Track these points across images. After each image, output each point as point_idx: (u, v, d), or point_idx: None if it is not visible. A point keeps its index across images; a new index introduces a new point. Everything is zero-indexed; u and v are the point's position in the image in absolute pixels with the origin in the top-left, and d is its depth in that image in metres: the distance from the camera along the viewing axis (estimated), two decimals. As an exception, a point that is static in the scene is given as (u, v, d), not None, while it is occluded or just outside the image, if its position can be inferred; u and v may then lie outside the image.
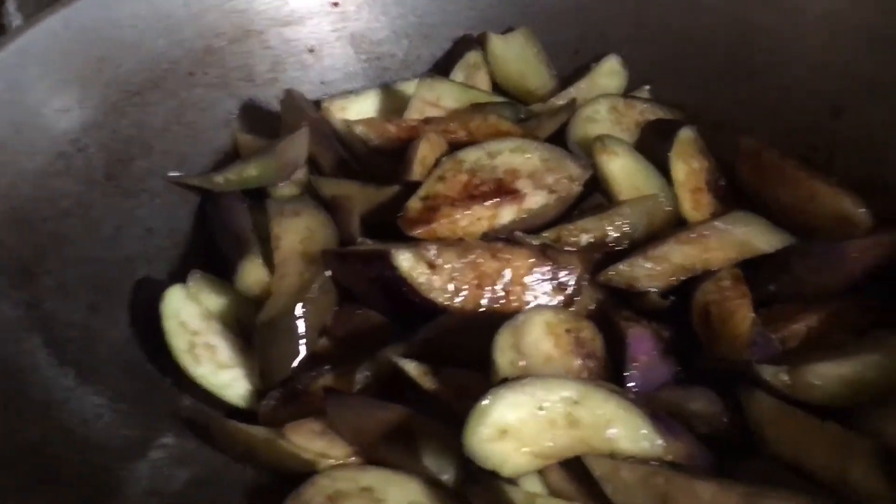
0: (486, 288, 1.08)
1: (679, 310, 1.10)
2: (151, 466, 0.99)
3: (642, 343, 1.04)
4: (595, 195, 1.24)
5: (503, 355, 0.95)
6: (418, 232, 1.14)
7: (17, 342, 1.02)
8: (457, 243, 1.12)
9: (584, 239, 1.16)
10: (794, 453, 0.93)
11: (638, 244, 1.16)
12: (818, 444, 0.91)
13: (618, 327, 1.06)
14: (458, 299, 1.07)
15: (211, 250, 1.25)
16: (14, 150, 1.13)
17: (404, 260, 1.07)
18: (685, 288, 1.12)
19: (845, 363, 0.97)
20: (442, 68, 1.53)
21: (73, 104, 1.21)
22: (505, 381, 0.91)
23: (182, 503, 0.93)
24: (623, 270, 1.11)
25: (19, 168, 1.13)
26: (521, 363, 0.96)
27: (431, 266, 1.07)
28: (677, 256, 1.12)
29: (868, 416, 0.94)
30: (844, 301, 1.08)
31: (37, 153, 1.15)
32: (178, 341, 1.09)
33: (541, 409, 0.90)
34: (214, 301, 1.17)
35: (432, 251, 1.08)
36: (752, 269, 1.13)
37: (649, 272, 1.11)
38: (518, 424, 0.88)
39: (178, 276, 1.19)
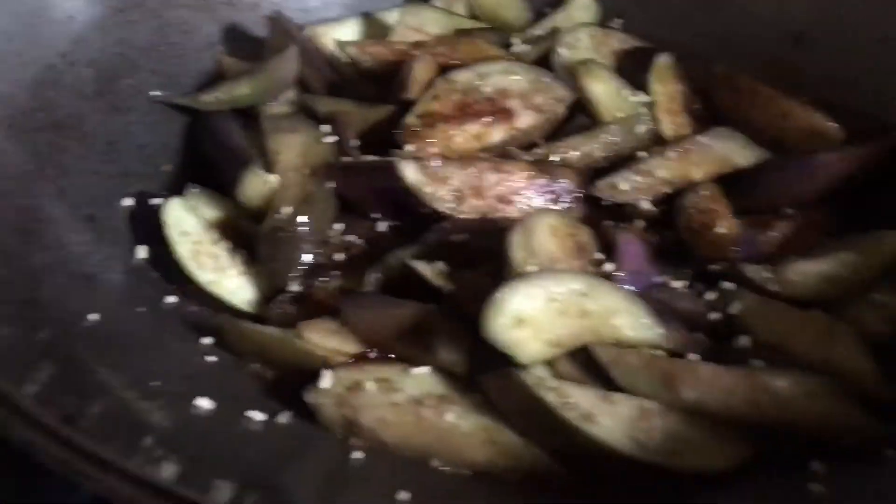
0: (487, 198, 1.13)
1: (665, 219, 1.17)
2: (182, 369, 1.01)
3: (631, 247, 1.10)
4: (579, 117, 1.30)
5: (517, 252, 1.00)
6: (417, 145, 1.17)
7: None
8: (457, 157, 1.16)
9: (574, 156, 1.22)
10: (777, 339, 1.00)
11: (623, 161, 1.22)
12: (802, 332, 1.00)
13: (608, 234, 1.12)
14: (461, 208, 1.12)
15: (203, 167, 1.26)
16: (8, 59, 1.11)
17: (410, 171, 1.10)
18: (669, 200, 1.19)
19: (823, 261, 1.06)
20: (419, -1, 1.56)
21: (62, 17, 1.21)
22: (519, 276, 0.97)
23: (215, 398, 0.95)
24: (612, 183, 1.17)
25: (15, 76, 1.12)
26: (531, 261, 1.01)
27: (435, 177, 1.11)
28: (662, 170, 1.19)
29: (845, 308, 1.03)
30: (815, 211, 1.16)
31: (28, 63, 1.14)
32: (183, 249, 1.10)
33: (553, 300, 0.95)
34: (213, 213, 1.18)
35: (435, 163, 1.12)
36: (729, 184, 1.20)
37: (637, 185, 1.18)
38: (533, 313, 0.94)
39: (173, 191, 1.20)
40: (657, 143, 1.27)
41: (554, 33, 1.40)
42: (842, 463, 0.86)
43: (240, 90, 1.28)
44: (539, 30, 1.49)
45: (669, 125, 1.28)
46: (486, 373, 0.96)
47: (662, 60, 1.34)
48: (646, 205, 1.17)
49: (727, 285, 1.08)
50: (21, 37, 1.14)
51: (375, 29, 1.49)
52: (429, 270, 1.03)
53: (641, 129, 1.25)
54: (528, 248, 1.01)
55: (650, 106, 1.30)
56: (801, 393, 0.90)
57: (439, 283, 1.02)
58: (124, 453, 0.74)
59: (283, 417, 0.97)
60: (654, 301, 1.06)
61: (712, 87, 1.32)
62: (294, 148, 1.20)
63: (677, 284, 1.10)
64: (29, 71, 1.14)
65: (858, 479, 0.85)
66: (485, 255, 1.05)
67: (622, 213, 1.19)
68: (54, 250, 1.04)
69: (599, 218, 1.18)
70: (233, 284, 1.11)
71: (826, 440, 0.89)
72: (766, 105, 1.24)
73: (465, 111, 1.23)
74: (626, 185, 1.17)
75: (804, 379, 0.91)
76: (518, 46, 1.39)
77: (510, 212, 1.13)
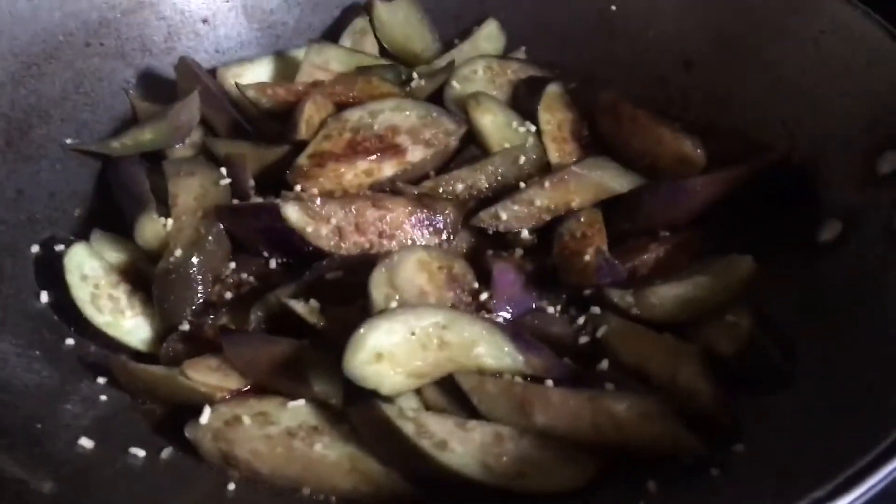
0: (368, 234, 1.19)
1: (546, 246, 1.23)
2: (72, 408, 1.07)
3: (506, 276, 1.16)
4: (471, 148, 1.36)
5: (378, 290, 1.06)
6: (305, 186, 1.24)
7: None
8: (341, 195, 1.22)
9: (460, 188, 1.27)
10: (635, 361, 1.06)
11: (508, 190, 1.28)
12: (655, 353, 1.05)
13: (485, 263, 1.18)
14: (343, 245, 1.17)
15: (113, 212, 1.32)
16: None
17: (292, 212, 1.16)
18: (551, 227, 1.24)
19: (680, 285, 1.11)
20: (331, 35, 1.62)
21: (-30, 75, 1.27)
22: (380, 312, 1.02)
23: (98, 437, 1.02)
24: (493, 214, 1.23)
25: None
26: (396, 297, 1.06)
27: (317, 216, 1.17)
28: (541, 199, 1.24)
29: (700, 328, 1.09)
30: (688, 232, 1.22)
31: (-64, 120, 1.21)
32: (81, 293, 1.17)
33: (413, 333, 1.01)
34: (116, 256, 1.24)
35: (317, 202, 1.18)
36: (610, 209, 1.26)
37: (516, 214, 1.23)
38: (392, 348, 0.99)
39: (82, 236, 1.27)
40: (545, 171, 1.32)
41: (449, 66, 1.46)
42: (672, 483, 0.91)
43: (144, 136, 1.35)
44: (443, 61, 1.54)
45: (556, 153, 1.34)
46: (354, 403, 1.02)
47: (551, 89, 1.40)
48: (525, 233, 1.22)
49: (595, 310, 1.13)
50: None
51: (288, 67, 1.55)
52: (302, 308, 1.09)
53: (523, 159, 1.30)
54: (392, 283, 1.07)
55: (539, 135, 1.35)
56: (635, 415, 0.95)
57: (313, 319, 1.08)
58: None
59: (166, 453, 1.03)
60: (527, 327, 1.12)
61: (597, 115, 1.37)
62: (192, 191, 1.26)
63: (552, 310, 1.16)
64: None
65: (684, 498, 0.89)
66: (360, 291, 1.10)
67: (506, 241, 1.24)
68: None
69: (484, 248, 1.23)
70: (129, 325, 1.17)
71: (662, 460, 0.94)
72: (642, 132, 1.29)
73: (356, 149, 1.29)
74: (506, 215, 1.22)
75: (639, 401, 0.96)
76: (416, 81, 1.44)
77: (392, 247, 1.19)
